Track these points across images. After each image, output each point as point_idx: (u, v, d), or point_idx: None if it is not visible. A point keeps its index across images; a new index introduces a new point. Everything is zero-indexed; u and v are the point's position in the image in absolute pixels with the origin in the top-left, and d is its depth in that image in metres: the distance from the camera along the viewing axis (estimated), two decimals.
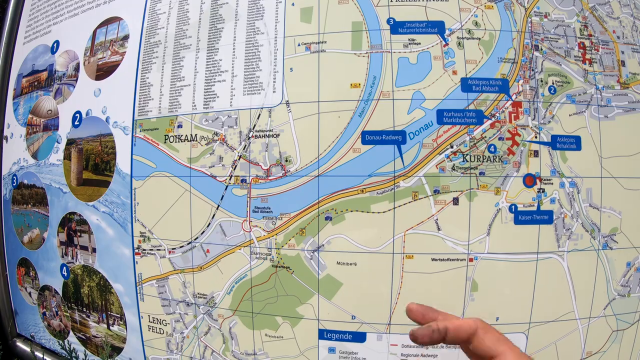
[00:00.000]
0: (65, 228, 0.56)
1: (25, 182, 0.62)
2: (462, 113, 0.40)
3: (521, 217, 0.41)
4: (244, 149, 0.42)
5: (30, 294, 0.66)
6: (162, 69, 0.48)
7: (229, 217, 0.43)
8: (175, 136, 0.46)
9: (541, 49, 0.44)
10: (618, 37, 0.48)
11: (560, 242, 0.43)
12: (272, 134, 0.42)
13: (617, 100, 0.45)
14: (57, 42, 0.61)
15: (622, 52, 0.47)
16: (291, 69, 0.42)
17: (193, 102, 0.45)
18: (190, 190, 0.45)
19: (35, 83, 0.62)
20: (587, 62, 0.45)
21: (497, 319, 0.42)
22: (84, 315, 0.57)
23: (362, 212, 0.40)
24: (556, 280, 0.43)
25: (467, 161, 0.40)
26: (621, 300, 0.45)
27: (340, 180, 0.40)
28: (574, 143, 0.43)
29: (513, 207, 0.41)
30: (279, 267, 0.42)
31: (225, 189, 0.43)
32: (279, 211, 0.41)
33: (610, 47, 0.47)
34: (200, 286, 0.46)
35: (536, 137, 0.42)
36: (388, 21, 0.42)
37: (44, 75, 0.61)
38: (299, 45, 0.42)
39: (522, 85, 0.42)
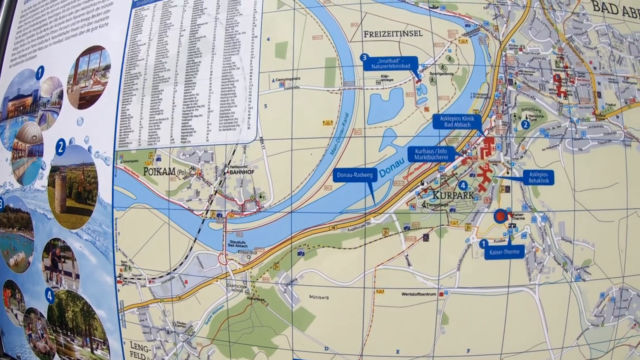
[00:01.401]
0: (50, 253, 0.59)
1: (11, 205, 0.65)
2: (434, 150, 0.42)
3: (492, 252, 0.43)
4: (219, 184, 0.45)
5: (16, 315, 0.69)
6: (142, 101, 0.50)
7: (205, 250, 0.46)
8: (154, 169, 0.48)
9: (515, 83, 0.45)
10: (595, 68, 0.49)
11: (532, 276, 0.44)
12: (246, 170, 0.44)
13: (593, 132, 0.47)
14: (42, 67, 0.63)
15: (599, 83, 0.49)
16: (265, 105, 0.45)
17: (171, 136, 0.48)
18: (169, 223, 0.47)
19: (21, 108, 0.65)
20: (562, 94, 0.47)
21: (468, 350, 0.44)
22: (68, 339, 0.60)
23: (334, 248, 0.42)
24: (528, 312, 0.45)
25: (438, 198, 0.42)
26: (595, 330, 0.47)
27: (313, 217, 0.43)
28: (547, 177, 0.45)
29: (484, 242, 0.43)
30: (254, 299, 0.45)
31: (202, 223, 0.46)
32: (254, 245, 0.44)
33: (586, 78, 0.48)
34: (179, 315, 0.49)
35: (508, 173, 0.44)
36: (361, 57, 0.44)
37: (29, 100, 0.64)
38: (273, 81, 0.45)
39: (494, 121, 0.44)
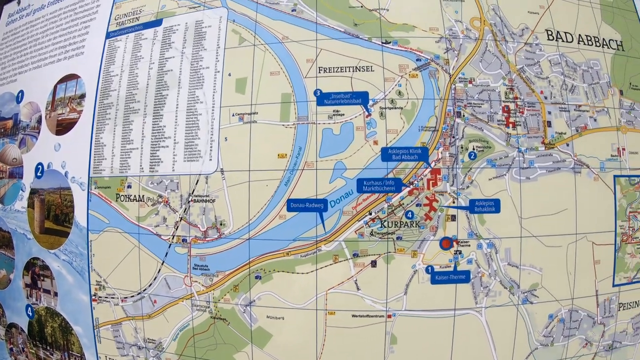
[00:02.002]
0: (30, 272, 0.66)
1: None
2: (381, 182, 0.48)
3: (438, 277, 0.49)
4: (184, 212, 0.52)
5: None
6: (114, 131, 0.57)
7: (172, 273, 0.53)
8: (126, 195, 0.55)
9: (463, 116, 0.51)
10: (546, 98, 0.54)
11: (478, 299, 0.50)
12: (208, 199, 0.51)
13: (541, 161, 0.52)
14: (21, 92, 0.70)
15: (549, 113, 0.54)
16: (226, 138, 0.51)
17: (141, 165, 0.54)
18: (139, 246, 0.54)
19: (2, 130, 0.72)
20: (510, 125, 0.52)
21: None
22: (47, 353, 0.67)
23: (288, 272, 0.49)
24: (475, 333, 0.51)
25: (385, 227, 0.48)
26: (544, 349, 0.53)
27: (268, 244, 0.49)
28: (493, 206, 0.50)
29: (430, 268, 0.49)
30: (217, 318, 0.51)
31: (169, 247, 0.53)
32: (215, 269, 0.51)
33: (536, 108, 0.53)
34: (149, 332, 0.56)
35: (454, 202, 0.49)
36: (315, 92, 0.50)
37: (10, 123, 0.71)
38: (233, 115, 0.51)
39: (441, 153, 0.49)
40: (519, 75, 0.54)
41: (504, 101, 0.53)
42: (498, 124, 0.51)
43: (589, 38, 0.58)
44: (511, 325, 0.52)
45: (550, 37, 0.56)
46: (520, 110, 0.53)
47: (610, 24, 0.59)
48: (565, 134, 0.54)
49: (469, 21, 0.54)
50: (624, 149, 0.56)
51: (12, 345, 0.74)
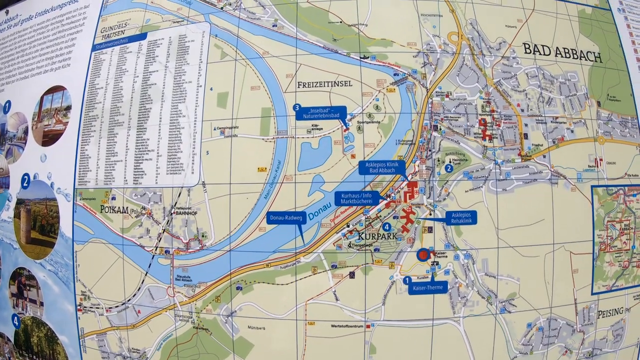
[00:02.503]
0: (16, 281, 0.69)
1: None
2: (359, 195, 0.50)
3: (415, 287, 0.51)
4: (167, 224, 0.54)
5: None
6: (99, 143, 0.59)
7: (155, 283, 0.55)
8: (110, 207, 0.57)
9: (440, 129, 0.53)
10: (522, 110, 0.56)
11: (456, 309, 0.52)
12: (190, 212, 0.53)
13: (517, 173, 0.55)
14: (9, 102, 0.73)
15: (526, 125, 0.56)
16: (207, 152, 0.53)
17: (125, 177, 0.57)
18: (123, 257, 0.56)
19: None
20: (487, 138, 0.54)
21: None
22: None
23: (268, 283, 0.51)
24: (453, 342, 0.53)
25: (363, 239, 0.50)
26: (523, 357, 0.55)
27: (249, 255, 0.51)
28: (469, 217, 0.52)
29: (407, 279, 0.51)
30: (199, 328, 0.54)
31: (152, 258, 0.55)
32: (197, 280, 0.53)
33: (513, 120, 0.56)
34: (134, 342, 0.58)
35: (430, 215, 0.51)
36: (294, 107, 0.52)
37: None
38: (214, 129, 0.53)
39: (418, 166, 0.52)
40: (495, 88, 0.56)
41: (480, 114, 0.55)
42: (475, 137, 0.54)
43: (566, 50, 0.60)
44: (490, 335, 0.54)
45: (528, 51, 0.58)
46: (497, 123, 0.55)
47: (588, 36, 0.62)
48: (542, 145, 0.56)
49: (446, 36, 0.56)
50: (601, 160, 0.58)
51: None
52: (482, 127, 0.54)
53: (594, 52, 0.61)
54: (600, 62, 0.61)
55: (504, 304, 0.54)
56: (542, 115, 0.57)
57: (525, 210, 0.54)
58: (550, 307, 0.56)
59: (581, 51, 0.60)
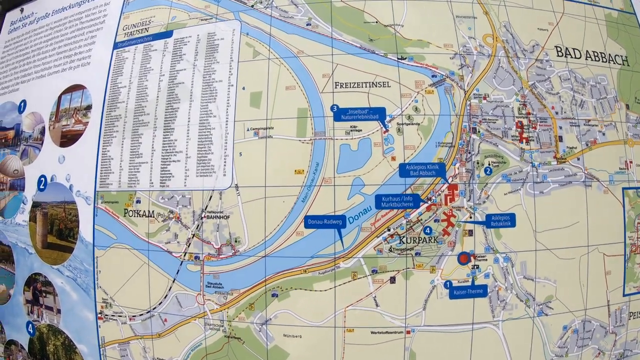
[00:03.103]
0: (31, 287, 0.63)
1: None
2: (400, 198, 0.47)
3: (456, 292, 0.48)
4: (197, 228, 0.50)
5: None
6: (122, 144, 0.54)
7: (184, 291, 0.50)
8: (134, 211, 0.53)
9: (479, 131, 0.50)
10: (557, 113, 0.54)
11: (495, 313, 0.50)
12: (222, 216, 0.49)
13: (554, 175, 0.52)
14: (24, 101, 0.67)
15: (560, 128, 0.54)
16: (240, 153, 0.49)
17: (150, 180, 0.52)
18: (149, 263, 0.52)
19: (3, 140, 0.69)
20: (524, 140, 0.52)
21: None
22: None
23: (306, 290, 0.47)
24: (492, 346, 0.50)
25: (404, 243, 0.47)
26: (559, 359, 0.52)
27: (285, 261, 0.47)
28: (509, 220, 0.49)
29: (448, 283, 0.48)
30: (231, 337, 0.49)
31: (181, 264, 0.51)
32: (230, 287, 0.49)
33: (548, 123, 0.53)
34: (159, 352, 0.53)
35: (471, 217, 0.48)
36: (332, 108, 0.49)
37: (11, 133, 0.68)
38: (248, 130, 0.49)
39: (458, 168, 0.49)
40: (531, 91, 0.54)
41: (517, 117, 0.52)
42: (512, 140, 0.51)
43: (595, 54, 0.58)
44: (527, 338, 0.51)
45: (560, 54, 0.56)
46: (533, 125, 0.53)
47: (616, 40, 0.60)
48: (576, 148, 0.54)
49: (481, 38, 0.54)
50: (631, 162, 0.56)
51: None
52: (519, 129, 0.51)
53: (621, 56, 0.59)
54: (628, 65, 0.59)
55: (541, 306, 0.51)
56: (575, 118, 0.55)
57: (561, 213, 0.51)
58: (584, 309, 0.53)
59: (609, 54, 0.58)
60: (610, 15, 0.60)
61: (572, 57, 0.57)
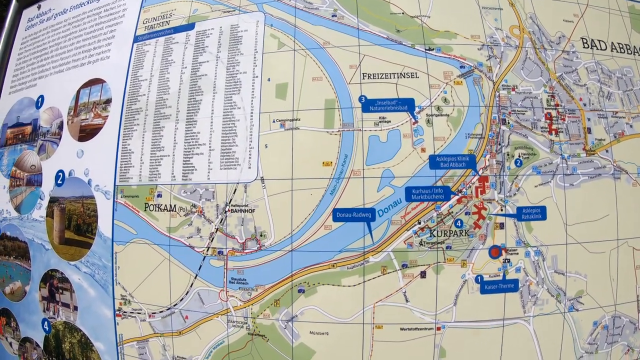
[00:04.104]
0: (47, 284, 0.60)
1: (8, 234, 0.66)
2: (430, 190, 0.45)
3: (487, 286, 0.45)
4: (220, 222, 0.47)
5: (11, 344, 0.69)
6: (143, 137, 0.52)
7: (206, 287, 0.48)
8: (155, 205, 0.50)
9: (508, 123, 0.48)
10: (585, 105, 0.52)
11: (526, 308, 0.47)
12: (247, 209, 0.46)
13: (583, 167, 0.50)
14: (42, 97, 0.65)
15: (589, 119, 0.52)
16: (266, 145, 0.47)
17: (172, 173, 0.50)
18: (170, 259, 0.49)
19: (20, 136, 0.67)
20: (553, 132, 0.50)
21: None
22: None
23: (334, 285, 0.44)
24: (523, 343, 0.47)
25: (435, 236, 0.44)
26: (589, 357, 0.49)
27: (313, 256, 0.44)
28: (539, 213, 0.47)
29: (479, 277, 0.45)
30: (255, 335, 0.46)
31: (203, 260, 0.48)
32: (254, 283, 0.46)
33: (576, 115, 0.51)
34: (179, 350, 0.50)
35: (502, 210, 0.46)
36: (360, 99, 0.47)
37: (29, 129, 0.65)
38: (274, 121, 0.47)
39: (488, 160, 0.46)
40: (558, 82, 0.51)
41: (546, 108, 0.50)
42: (541, 131, 0.48)
43: (621, 46, 0.56)
44: (558, 334, 0.49)
45: (586, 45, 0.54)
46: (562, 117, 0.50)
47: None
48: (604, 140, 0.51)
49: (508, 29, 0.51)
50: None
51: None
52: (548, 121, 0.49)
53: None
54: None
55: (572, 302, 0.48)
56: (603, 110, 0.52)
57: (591, 206, 0.48)
58: (615, 304, 0.50)
59: (634, 47, 0.55)
60: (633, 8, 0.58)
61: (597, 49, 0.54)
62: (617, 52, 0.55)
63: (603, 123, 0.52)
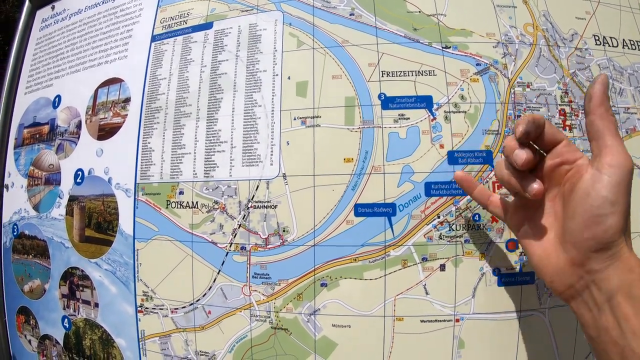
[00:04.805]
0: (67, 282, 0.61)
1: (27, 232, 0.67)
2: (449, 185, 0.46)
3: (504, 279, 0.46)
4: (243, 218, 0.48)
5: (30, 341, 0.70)
6: (164, 135, 0.53)
7: (229, 282, 0.49)
8: (177, 202, 0.51)
9: None
10: None
11: (542, 300, 0.48)
12: (270, 205, 0.47)
13: None
14: (58, 96, 0.66)
15: None
16: (287, 142, 0.48)
17: (194, 170, 0.51)
18: (192, 255, 0.50)
19: (37, 135, 0.67)
20: (567, 128, 0.51)
21: None
22: None
23: (356, 279, 0.45)
24: (539, 334, 0.49)
25: (453, 230, 0.46)
26: None
27: (335, 250, 0.46)
28: None
29: (496, 270, 0.46)
30: (278, 328, 0.48)
31: (226, 255, 0.49)
32: (277, 277, 0.47)
33: None
34: (202, 344, 0.51)
35: None
36: (379, 96, 0.48)
37: (46, 128, 0.66)
38: (294, 119, 0.48)
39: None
40: (572, 79, 0.53)
41: (560, 104, 0.51)
42: (556, 127, 0.51)
43: (632, 42, 0.57)
44: (572, 325, 0.50)
45: (598, 42, 0.55)
46: (575, 113, 0.52)
47: None
48: None
49: (522, 27, 0.53)
50: None
51: (45, 358, 0.68)
52: (562, 117, 0.50)
53: None
54: None
55: None
56: (615, 106, 0.53)
57: None
58: None
59: None
60: None
61: (609, 46, 0.56)
62: (629, 48, 0.57)
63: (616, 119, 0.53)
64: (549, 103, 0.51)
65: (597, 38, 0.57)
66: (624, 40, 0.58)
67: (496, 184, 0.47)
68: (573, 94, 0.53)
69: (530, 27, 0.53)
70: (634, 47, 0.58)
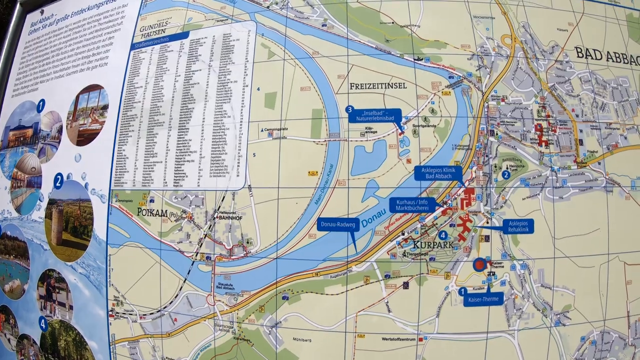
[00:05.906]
0: (45, 283, 0.63)
1: (9, 233, 0.70)
2: (415, 201, 0.46)
3: (471, 299, 0.46)
4: (209, 229, 0.49)
5: (9, 340, 0.73)
6: (137, 143, 0.54)
7: (195, 291, 0.50)
8: (148, 210, 0.52)
9: (496, 134, 0.48)
10: (577, 116, 0.52)
11: (511, 322, 0.47)
12: (235, 216, 0.48)
13: (574, 180, 0.50)
14: (43, 101, 0.68)
15: (581, 131, 0.52)
16: (254, 154, 0.48)
17: (164, 179, 0.52)
18: (160, 263, 0.51)
19: (21, 138, 0.70)
20: (543, 144, 0.50)
21: None
22: None
23: (317, 293, 0.46)
24: (507, 356, 0.48)
25: (418, 247, 0.45)
26: None
27: (297, 264, 0.46)
28: (527, 226, 0.47)
29: (463, 290, 0.46)
30: (240, 339, 0.48)
31: (192, 264, 0.50)
32: (240, 288, 0.48)
33: (568, 126, 0.51)
34: (168, 351, 0.52)
35: (487, 223, 0.47)
36: (347, 109, 0.48)
37: (30, 132, 0.69)
38: (262, 130, 0.48)
39: (475, 172, 0.47)
40: (550, 93, 0.52)
41: (536, 119, 0.50)
42: (531, 143, 0.49)
43: (617, 55, 0.56)
44: (544, 348, 0.49)
45: (580, 55, 0.54)
46: (553, 128, 0.51)
47: (637, 41, 0.57)
48: (596, 152, 0.52)
49: (500, 38, 0.52)
50: None
51: (23, 357, 0.70)
52: (538, 132, 0.49)
53: None
54: None
55: (559, 316, 0.49)
56: (596, 121, 0.52)
57: (581, 219, 0.49)
58: (603, 319, 0.51)
59: (631, 56, 0.55)
60: (631, 16, 0.58)
61: (592, 58, 0.54)
62: (613, 61, 0.55)
63: (596, 134, 0.52)
64: (524, 117, 0.50)
65: (579, 50, 0.55)
66: (608, 52, 0.56)
67: (464, 201, 0.47)
68: (551, 108, 0.52)
69: (508, 39, 0.52)
70: (619, 59, 0.57)
